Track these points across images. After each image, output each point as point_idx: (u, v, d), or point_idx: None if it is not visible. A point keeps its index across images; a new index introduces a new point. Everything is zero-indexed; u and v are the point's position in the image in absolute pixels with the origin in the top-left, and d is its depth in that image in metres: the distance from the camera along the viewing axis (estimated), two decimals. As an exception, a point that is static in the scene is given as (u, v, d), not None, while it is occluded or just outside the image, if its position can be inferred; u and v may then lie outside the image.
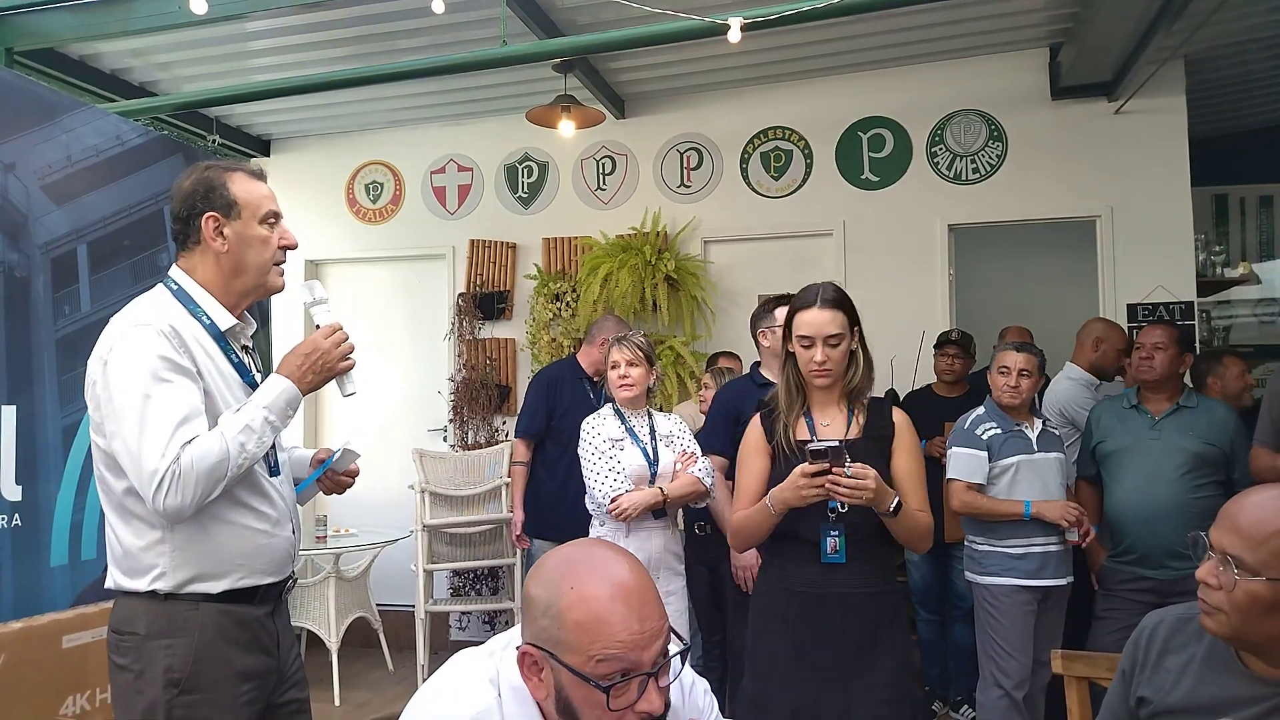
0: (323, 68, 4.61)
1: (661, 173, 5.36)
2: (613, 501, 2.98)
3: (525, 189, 5.57)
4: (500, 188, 5.61)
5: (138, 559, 1.76)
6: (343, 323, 1.92)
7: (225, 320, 1.85)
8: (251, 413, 1.75)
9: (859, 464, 2.07)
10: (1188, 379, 3.47)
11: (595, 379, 4.02)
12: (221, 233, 1.82)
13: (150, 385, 1.69)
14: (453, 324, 5.50)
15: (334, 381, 1.90)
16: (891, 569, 2.29)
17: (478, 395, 5.37)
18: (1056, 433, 3.30)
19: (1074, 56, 4.44)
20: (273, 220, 1.87)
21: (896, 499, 2.15)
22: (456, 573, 5.15)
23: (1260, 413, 3.04)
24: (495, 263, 5.49)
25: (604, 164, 5.46)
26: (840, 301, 2.26)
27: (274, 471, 1.89)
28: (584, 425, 3.14)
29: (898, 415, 2.27)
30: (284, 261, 1.90)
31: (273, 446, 1.87)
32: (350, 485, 2.09)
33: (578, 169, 5.49)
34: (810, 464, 2.08)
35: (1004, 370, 3.23)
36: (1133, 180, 4.69)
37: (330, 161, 5.83)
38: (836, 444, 2.08)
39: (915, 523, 2.20)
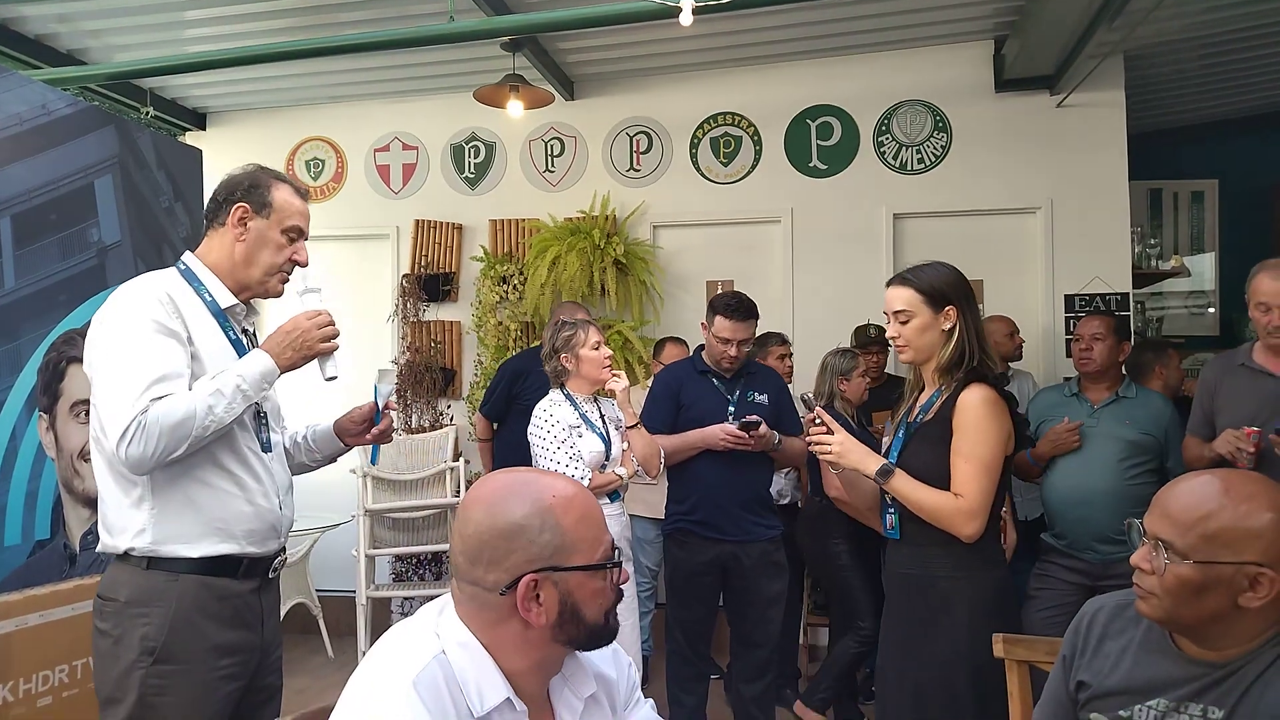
0: (262, 39, 4.46)
1: (611, 156, 5.32)
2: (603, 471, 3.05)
3: (472, 169, 5.49)
4: (446, 167, 5.51)
5: (121, 515, 1.84)
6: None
7: (226, 299, 1.96)
8: (225, 379, 1.84)
9: (824, 428, 2.12)
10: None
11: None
12: (245, 223, 1.95)
13: (134, 342, 1.79)
14: (396, 306, 5.40)
15: (316, 364, 2.00)
16: (960, 554, 2.02)
17: (422, 378, 5.28)
18: None
19: (1018, 50, 4.51)
20: (294, 235, 2.00)
21: (881, 465, 2.05)
22: (399, 558, 5.08)
23: (1193, 404, 3.12)
24: (440, 244, 5.40)
25: (552, 145, 5.40)
26: (911, 280, 2.14)
27: (265, 448, 1.98)
28: (537, 411, 3.07)
29: (967, 393, 2.04)
30: (289, 273, 2.03)
31: (265, 425, 1.99)
32: (391, 425, 2.26)
33: (526, 150, 5.42)
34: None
35: None
36: (1073, 173, 4.79)
37: (269, 137, 5.65)
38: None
39: (920, 501, 2.02)
